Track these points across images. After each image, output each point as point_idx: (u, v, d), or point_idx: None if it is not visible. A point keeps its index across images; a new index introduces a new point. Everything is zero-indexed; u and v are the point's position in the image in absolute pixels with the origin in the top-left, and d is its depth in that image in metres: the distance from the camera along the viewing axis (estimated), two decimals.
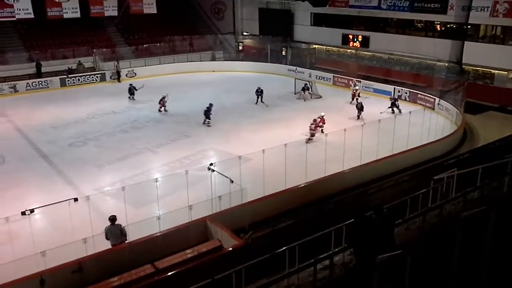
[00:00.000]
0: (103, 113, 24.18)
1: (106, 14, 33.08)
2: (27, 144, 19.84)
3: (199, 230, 11.33)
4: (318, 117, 19.94)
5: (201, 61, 35.63)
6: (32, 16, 29.19)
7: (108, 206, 13.88)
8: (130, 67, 32.39)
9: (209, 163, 13.78)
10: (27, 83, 28.98)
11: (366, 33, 32.00)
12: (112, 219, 11.03)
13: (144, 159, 18.02)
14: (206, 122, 21.62)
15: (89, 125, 22.10)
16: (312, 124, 19.55)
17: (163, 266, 9.41)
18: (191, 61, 35.28)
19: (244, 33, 40.17)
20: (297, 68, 32.18)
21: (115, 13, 33.56)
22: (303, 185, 13.85)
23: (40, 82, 29.27)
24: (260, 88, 25.18)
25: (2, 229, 11.58)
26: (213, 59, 36.70)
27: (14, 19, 29.49)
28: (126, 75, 31.88)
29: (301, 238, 9.01)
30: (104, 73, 31.63)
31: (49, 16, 30.54)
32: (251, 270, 8.84)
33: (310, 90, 26.26)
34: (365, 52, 32.46)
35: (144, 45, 35.56)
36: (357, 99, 24.54)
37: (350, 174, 14.83)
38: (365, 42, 32.03)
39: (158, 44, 35.88)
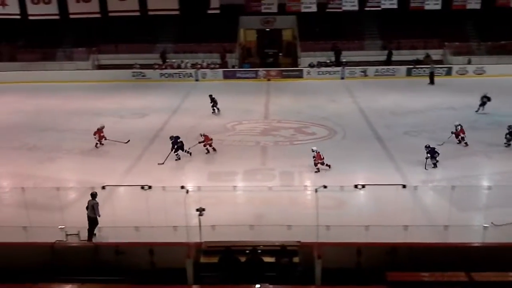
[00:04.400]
0: (442, 107, 23.84)
1: (468, 7, 31.62)
2: (365, 125, 21.59)
3: None
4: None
5: None
6: (395, 6, 30.74)
7: (430, 200, 13.93)
8: (480, 64, 30.49)
9: None
10: (376, 69, 31.35)
11: None
12: (94, 194, 12.15)
13: (476, 162, 16.93)
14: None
15: (425, 117, 22.20)
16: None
17: (479, 280, 8.79)
18: None
19: None
20: None
21: (478, 6, 31.64)
22: None
23: (388, 70, 31.16)
24: (486, 95, 20.87)
25: (334, 195, 13.25)
26: None
27: (379, 8, 31.76)
28: (474, 72, 30.28)
29: None
30: (451, 67, 30.88)
31: (411, 7, 31.47)
32: None
33: None
34: None
35: (501, 42, 32.56)
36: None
37: None
38: None
39: None
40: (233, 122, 22.28)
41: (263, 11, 31.97)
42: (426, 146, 16.43)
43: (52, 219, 12.35)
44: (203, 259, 9.96)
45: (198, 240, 10.24)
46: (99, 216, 12.15)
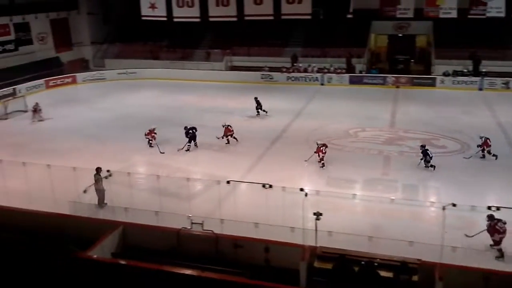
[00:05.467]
0: None
1: None
2: (504, 141, 19.76)
3: None
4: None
5: None
6: (503, 15, 27.45)
7: None
8: None
9: None
10: None
11: None
12: (98, 169, 14.16)
13: None
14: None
15: None
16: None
17: None
18: None
19: None
20: None
21: None
22: None
23: None
24: None
25: (463, 215, 12.35)
26: None
27: (484, 17, 28.65)
28: None
29: None
30: None
31: None
32: None
33: None
34: None
35: None
36: None
37: None
38: None
39: None
40: (356, 129, 21.86)
41: (398, 16, 30.78)
42: (421, 146, 16.82)
43: (180, 207, 13.36)
44: (316, 264, 9.96)
45: (313, 244, 10.26)
46: (104, 190, 14.16)
